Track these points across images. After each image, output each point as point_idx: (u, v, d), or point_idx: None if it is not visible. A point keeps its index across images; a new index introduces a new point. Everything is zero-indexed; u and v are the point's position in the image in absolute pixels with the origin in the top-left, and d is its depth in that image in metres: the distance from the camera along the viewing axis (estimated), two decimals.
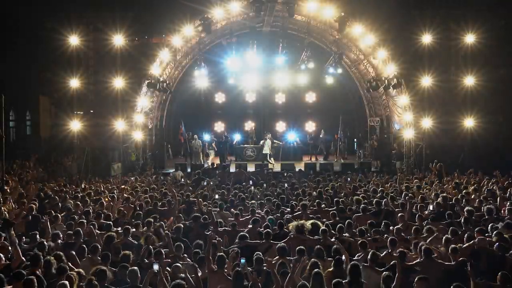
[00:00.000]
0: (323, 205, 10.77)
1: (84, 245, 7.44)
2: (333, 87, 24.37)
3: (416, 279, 5.85)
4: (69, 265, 6.49)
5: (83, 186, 13.93)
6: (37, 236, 7.74)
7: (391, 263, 6.75)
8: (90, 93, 20.66)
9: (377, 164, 20.69)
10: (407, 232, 8.47)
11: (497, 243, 7.06)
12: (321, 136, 24.50)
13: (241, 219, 9.76)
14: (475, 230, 7.89)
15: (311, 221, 8.74)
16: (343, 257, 6.90)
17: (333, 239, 7.88)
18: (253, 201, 11.31)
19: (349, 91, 25.66)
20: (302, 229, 8.18)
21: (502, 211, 9.97)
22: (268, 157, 21.60)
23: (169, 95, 23.02)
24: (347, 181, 14.99)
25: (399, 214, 9.58)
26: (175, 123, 25.37)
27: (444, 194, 11.26)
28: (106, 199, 11.67)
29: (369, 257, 6.75)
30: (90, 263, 6.89)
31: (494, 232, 7.56)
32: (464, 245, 7.42)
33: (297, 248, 7.25)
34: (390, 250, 7.42)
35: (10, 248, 7.01)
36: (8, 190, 11.90)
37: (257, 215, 9.75)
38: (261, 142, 22.32)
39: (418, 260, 6.80)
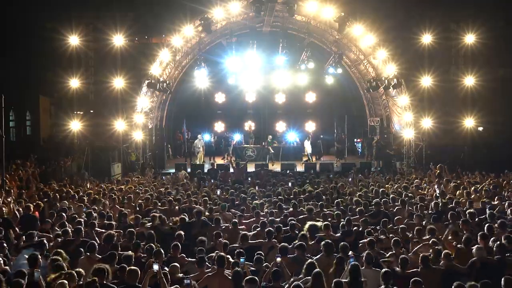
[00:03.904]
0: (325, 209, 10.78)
1: (83, 244, 7.46)
2: (333, 87, 24.35)
3: (410, 283, 5.91)
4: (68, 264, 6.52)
5: (89, 186, 13.92)
6: (35, 235, 7.73)
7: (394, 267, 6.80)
8: (90, 93, 20.65)
9: (378, 164, 20.67)
10: (409, 232, 8.51)
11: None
12: (321, 136, 24.59)
13: (243, 221, 9.75)
14: (478, 234, 7.86)
15: (310, 222, 8.73)
16: (350, 252, 6.95)
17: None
18: (255, 201, 11.28)
19: (349, 91, 25.65)
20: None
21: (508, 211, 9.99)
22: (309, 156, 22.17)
23: (169, 95, 23.03)
24: (348, 181, 15.03)
25: (396, 217, 9.59)
26: (175, 123, 25.40)
27: (447, 195, 11.27)
28: (106, 199, 11.67)
29: (363, 259, 6.75)
30: (88, 261, 6.89)
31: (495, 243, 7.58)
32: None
33: (298, 244, 7.30)
34: (394, 252, 7.43)
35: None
36: (9, 190, 11.86)
37: (261, 217, 9.75)
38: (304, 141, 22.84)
39: (416, 269, 6.78)
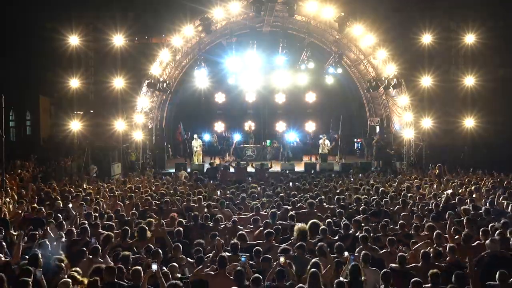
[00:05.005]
0: (325, 203, 10.82)
1: (86, 245, 7.45)
2: (333, 87, 24.34)
3: (411, 283, 5.92)
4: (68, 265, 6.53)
5: (84, 186, 13.90)
6: (37, 236, 7.72)
7: (390, 265, 6.82)
8: (90, 93, 20.68)
9: (377, 164, 20.68)
10: (408, 230, 8.53)
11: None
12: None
13: (242, 215, 9.82)
14: (480, 230, 7.84)
15: (311, 221, 8.75)
16: (346, 253, 6.95)
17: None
18: (255, 201, 11.27)
19: (349, 91, 25.66)
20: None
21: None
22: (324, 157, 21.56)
23: (169, 95, 23.04)
24: (350, 181, 15.05)
25: (402, 214, 9.60)
26: (175, 123, 25.40)
27: (447, 194, 11.27)
28: (106, 199, 11.68)
29: (361, 259, 6.75)
30: (90, 264, 6.86)
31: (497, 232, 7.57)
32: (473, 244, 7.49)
33: (297, 244, 7.33)
34: (389, 249, 7.47)
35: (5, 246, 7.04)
36: (9, 190, 11.87)
37: (262, 212, 9.78)
38: (320, 141, 21.91)
39: (415, 264, 6.80)
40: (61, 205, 10.47)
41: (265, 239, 7.98)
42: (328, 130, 24.69)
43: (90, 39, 19.99)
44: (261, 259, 6.83)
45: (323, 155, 21.57)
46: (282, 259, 6.38)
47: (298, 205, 10.54)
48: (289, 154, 22.14)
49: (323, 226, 8.37)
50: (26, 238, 7.50)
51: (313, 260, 6.58)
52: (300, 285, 5.79)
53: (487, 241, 6.97)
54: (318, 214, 9.68)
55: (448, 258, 6.91)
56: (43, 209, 9.72)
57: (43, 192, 12.23)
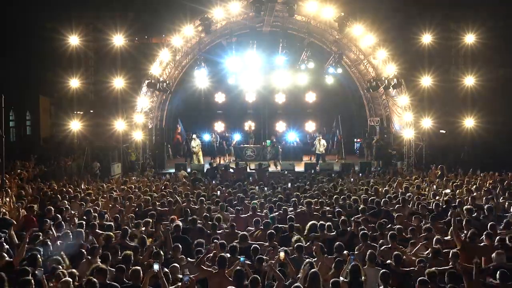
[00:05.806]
0: (325, 206, 10.81)
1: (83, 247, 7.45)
2: (333, 87, 24.35)
3: (417, 282, 5.93)
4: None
5: (83, 187, 13.89)
6: (40, 236, 7.71)
7: (387, 261, 6.84)
8: (90, 93, 20.68)
9: (377, 164, 20.69)
10: (406, 232, 8.52)
11: None
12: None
13: (241, 216, 9.85)
14: (484, 234, 7.81)
15: (310, 222, 8.76)
16: (345, 252, 6.95)
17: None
18: (254, 201, 11.27)
19: (349, 91, 25.66)
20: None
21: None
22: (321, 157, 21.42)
23: (169, 95, 23.04)
24: (350, 181, 15.07)
25: (396, 215, 9.61)
26: (175, 123, 25.41)
27: (446, 193, 11.29)
28: (105, 200, 11.67)
29: (367, 258, 6.79)
30: (89, 265, 6.85)
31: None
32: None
33: (295, 245, 7.36)
34: (390, 245, 7.48)
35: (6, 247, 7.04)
36: (8, 190, 11.86)
37: (258, 212, 9.78)
38: (315, 142, 21.85)
39: (413, 268, 6.80)
40: (61, 206, 10.46)
41: (267, 240, 7.99)
42: (330, 129, 24.72)
43: (90, 39, 20.00)
44: (256, 259, 6.83)
45: (319, 155, 21.57)
46: (282, 254, 6.38)
47: (299, 207, 10.53)
48: (278, 157, 21.96)
49: (321, 222, 8.41)
50: (27, 239, 7.49)
51: (307, 260, 6.60)
52: (297, 284, 5.79)
53: (493, 255, 6.87)
54: (315, 214, 9.69)
55: (450, 263, 6.83)
56: (52, 209, 9.70)
57: (43, 192, 12.23)
